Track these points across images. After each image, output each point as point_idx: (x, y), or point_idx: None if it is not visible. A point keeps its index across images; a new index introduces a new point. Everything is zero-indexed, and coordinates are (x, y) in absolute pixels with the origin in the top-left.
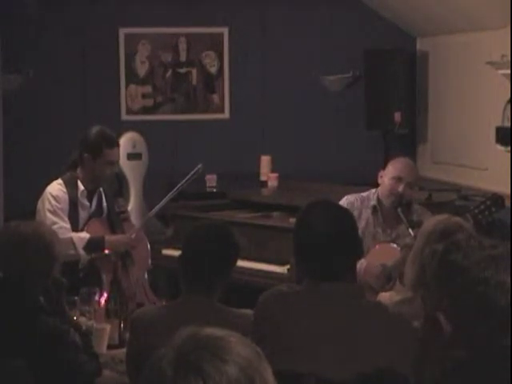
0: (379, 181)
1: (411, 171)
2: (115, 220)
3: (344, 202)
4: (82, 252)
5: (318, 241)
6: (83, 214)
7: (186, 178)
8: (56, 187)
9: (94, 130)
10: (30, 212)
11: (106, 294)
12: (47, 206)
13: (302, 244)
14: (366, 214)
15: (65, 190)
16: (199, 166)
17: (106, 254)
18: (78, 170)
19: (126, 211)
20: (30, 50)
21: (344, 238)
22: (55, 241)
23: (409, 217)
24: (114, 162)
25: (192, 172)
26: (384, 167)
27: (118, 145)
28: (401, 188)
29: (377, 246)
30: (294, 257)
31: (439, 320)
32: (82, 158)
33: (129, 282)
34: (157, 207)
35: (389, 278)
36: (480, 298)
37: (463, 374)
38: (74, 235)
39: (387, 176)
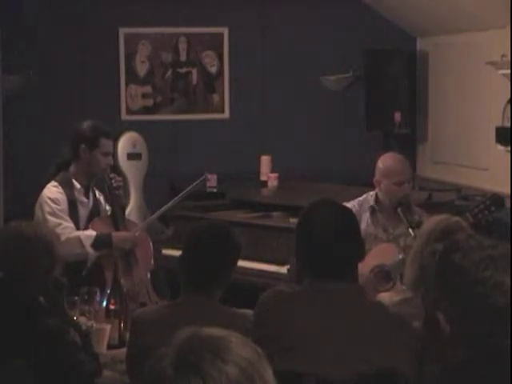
0: (377, 188)
1: (405, 168)
2: (119, 217)
3: None
4: (89, 249)
5: (319, 240)
6: (83, 212)
7: (191, 186)
8: (52, 190)
9: (86, 124)
10: (30, 212)
11: (108, 292)
12: (47, 209)
13: (303, 243)
14: (365, 216)
15: (61, 190)
16: (204, 175)
17: (109, 252)
18: (71, 168)
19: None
20: (29, 50)
21: (345, 238)
22: (56, 241)
23: (410, 217)
24: (109, 154)
25: (197, 181)
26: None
27: (112, 136)
28: (406, 189)
29: (373, 248)
30: (296, 256)
31: (439, 320)
32: (77, 151)
33: (132, 281)
34: (158, 212)
35: (389, 278)
36: (479, 298)
37: (463, 373)
38: (81, 233)
39: (386, 181)
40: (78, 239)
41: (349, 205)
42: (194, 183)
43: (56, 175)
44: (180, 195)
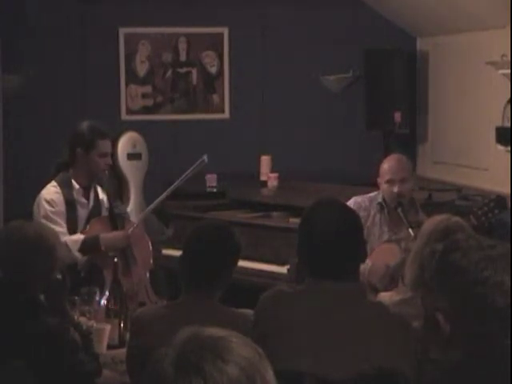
0: (380, 188)
1: (399, 167)
2: (117, 217)
3: (351, 202)
4: (77, 254)
5: (319, 239)
6: (82, 212)
7: (191, 169)
8: (51, 190)
9: (83, 125)
10: (30, 212)
11: (107, 293)
12: (41, 212)
13: (305, 242)
14: (373, 212)
15: (60, 191)
16: (204, 157)
17: (103, 252)
18: (71, 169)
19: (125, 212)
20: (29, 50)
21: (347, 238)
22: (57, 241)
23: (413, 217)
24: (108, 154)
25: (197, 162)
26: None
27: (108, 136)
28: (395, 188)
29: (377, 248)
30: (297, 255)
31: (439, 320)
32: (74, 154)
33: (131, 281)
34: (155, 203)
35: (392, 278)
36: (479, 298)
37: (463, 373)
38: (68, 238)
39: (382, 181)
40: (65, 244)
41: (358, 199)
42: (193, 166)
43: (56, 175)
44: (179, 179)
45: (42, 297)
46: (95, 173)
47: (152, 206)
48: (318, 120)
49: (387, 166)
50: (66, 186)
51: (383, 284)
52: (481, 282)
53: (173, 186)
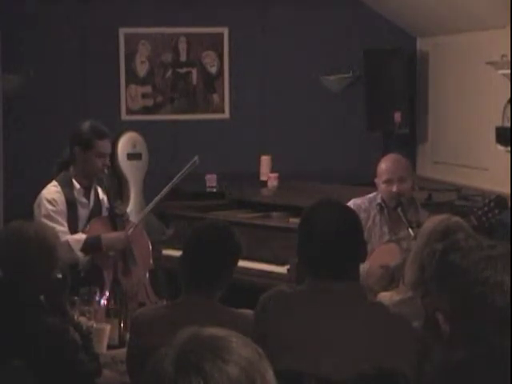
0: (378, 188)
1: (397, 167)
2: (117, 218)
3: (350, 204)
4: (79, 254)
5: (319, 240)
6: (83, 212)
7: (182, 171)
8: (51, 190)
9: (82, 125)
10: (30, 212)
11: (107, 293)
12: (43, 211)
13: (305, 242)
14: (373, 213)
15: (60, 191)
16: (195, 158)
17: (104, 252)
18: (71, 169)
19: (125, 213)
20: (29, 50)
21: (347, 238)
22: (57, 241)
23: (413, 216)
24: (106, 155)
25: (188, 165)
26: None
27: (108, 137)
28: (394, 188)
29: (376, 249)
30: (297, 255)
31: (439, 320)
32: (73, 153)
33: (131, 282)
34: (153, 202)
35: (392, 279)
36: (479, 298)
37: (463, 373)
38: (70, 238)
39: (379, 181)
40: (67, 244)
41: (358, 200)
42: (185, 168)
43: (58, 175)
44: (171, 182)
45: (42, 297)
46: (93, 172)
47: (147, 208)
48: (318, 120)
49: (384, 165)
50: (66, 186)
51: (381, 285)
52: (481, 282)
53: (166, 188)
